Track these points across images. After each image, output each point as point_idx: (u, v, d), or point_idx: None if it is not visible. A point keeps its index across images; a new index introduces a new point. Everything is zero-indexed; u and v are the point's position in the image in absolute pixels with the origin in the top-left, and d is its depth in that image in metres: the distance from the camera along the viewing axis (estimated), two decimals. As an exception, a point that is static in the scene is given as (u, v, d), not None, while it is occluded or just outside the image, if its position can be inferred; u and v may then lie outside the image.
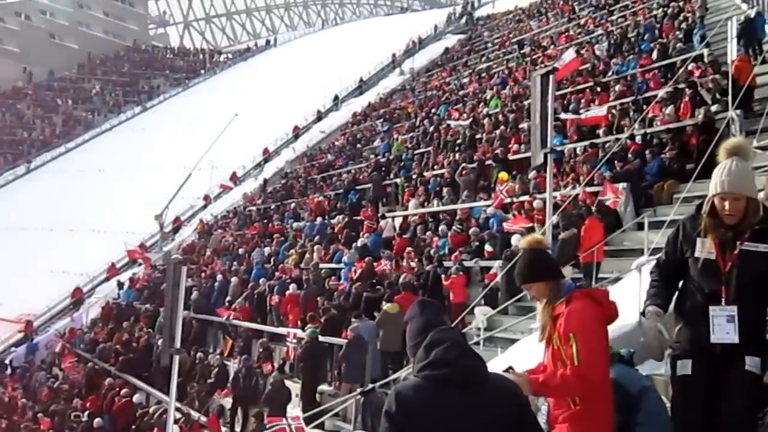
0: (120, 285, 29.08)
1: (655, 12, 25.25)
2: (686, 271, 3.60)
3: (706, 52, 16.41)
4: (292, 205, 27.36)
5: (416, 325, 2.97)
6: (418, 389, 2.74)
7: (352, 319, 13.79)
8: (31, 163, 51.91)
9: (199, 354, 18.20)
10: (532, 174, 15.77)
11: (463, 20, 59.46)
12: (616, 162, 14.01)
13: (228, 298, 20.08)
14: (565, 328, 3.35)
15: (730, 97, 12.69)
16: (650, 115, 15.08)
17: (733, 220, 3.42)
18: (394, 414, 2.69)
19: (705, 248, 3.48)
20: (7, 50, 64.27)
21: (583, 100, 19.65)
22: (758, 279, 3.39)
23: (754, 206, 3.42)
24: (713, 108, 13.85)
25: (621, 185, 13.02)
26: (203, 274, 23.88)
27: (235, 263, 23.47)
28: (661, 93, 15.56)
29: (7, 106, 60.91)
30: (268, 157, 40.99)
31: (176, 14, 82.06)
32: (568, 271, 11.82)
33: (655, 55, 19.84)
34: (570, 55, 22.58)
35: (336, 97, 46.43)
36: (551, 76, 10.38)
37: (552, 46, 29.48)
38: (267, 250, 22.95)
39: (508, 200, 15.77)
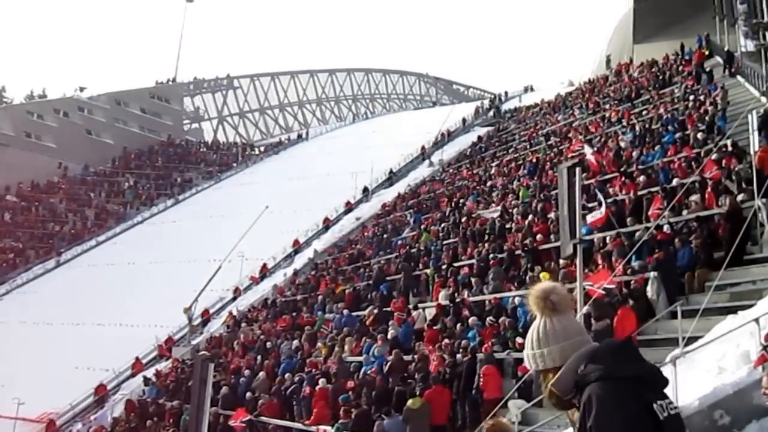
0: (146, 381, 28.75)
1: (677, 105, 25.68)
2: None
3: (729, 142, 16.60)
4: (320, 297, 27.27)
5: None
6: None
7: (382, 415, 13.60)
8: (61, 256, 52.40)
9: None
10: (563, 262, 15.85)
11: (491, 113, 60.44)
12: (645, 251, 13.97)
13: (253, 393, 19.85)
14: None
15: (755, 186, 12.74)
16: (676, 203, 15.15)
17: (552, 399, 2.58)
18: None
19: None
20: (44, 146, 66.01)
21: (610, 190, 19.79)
22: None
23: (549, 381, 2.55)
24: (739, 197, 13.91)
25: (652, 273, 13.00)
26: (231, 368, 23.70)
27: (259, 357, 23.25)
28: (688, 181, 15.67)
29: (40, 200, 62.03)
30: (298, 248, 41.26)
31: (211, 110, 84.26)
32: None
33: (678, 145, 20.12)
34: (588, 150, 23.16)
35: (366, 189, 46.98)
36: (577, 168, 10.59)
37: (579, 137, 29.88)
38: (295, 343, 22.83)
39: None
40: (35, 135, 66.62)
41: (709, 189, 15.16)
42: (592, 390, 2.35)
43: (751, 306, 10.36)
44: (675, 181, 17.16)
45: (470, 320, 16.34)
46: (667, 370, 8.81)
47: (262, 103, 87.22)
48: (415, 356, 15.92)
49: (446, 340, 15.79)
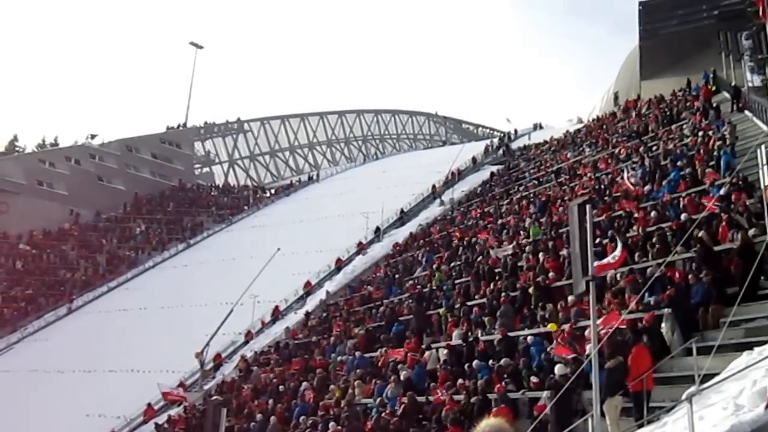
0: (158, 427, 28.38)
1: (686, 141, 25.74)
2: None
3: (739, 176, 16.62)
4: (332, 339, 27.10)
5: None
6: None
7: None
8: (73, 303, 52.17)
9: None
10: (570, 299, 15.82)
11: (501, 152, 60.64)
12: (658, 287, 13.89)
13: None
14: None
15: (766, 221, 12.70)
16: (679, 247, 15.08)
17: None
18: None
19: None
20: (56, 193, 66.32)
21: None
22: None
23: None
24: (750, 232, 13.85)
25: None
26: (242, 413, 23.47)
27: (271, 401, 23.00)
28: (699, 217, 15.63)
29: (51, 248, 61.88)
30: (310, 290, 41.17)
31: (222, 153, 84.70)
32: (618, 401, 11.53)
33: (688, 181, 20.13)
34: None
35: (377, 229, 47.01)
36: (588, 206, 10.60)
37: (589, 175, 29.91)
38: (305, 384, 22.59)
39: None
40: (47, 183, 66.91)
41: (723, 223, 15.12)
42: None
43: (766, 342, 10.28)
44: (683, 216, 17.12)
45: (474, 363, 16.18)
46: (683, 408, 8.72)
47: (273, 145, 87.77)
48: (429, 398, 15.79)
49: (460, 380, 15.68)
